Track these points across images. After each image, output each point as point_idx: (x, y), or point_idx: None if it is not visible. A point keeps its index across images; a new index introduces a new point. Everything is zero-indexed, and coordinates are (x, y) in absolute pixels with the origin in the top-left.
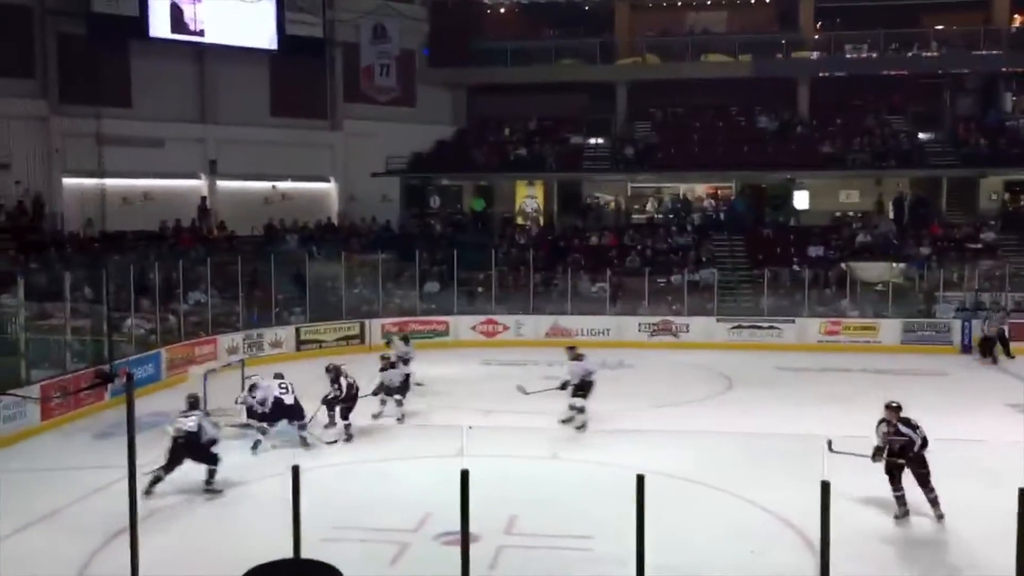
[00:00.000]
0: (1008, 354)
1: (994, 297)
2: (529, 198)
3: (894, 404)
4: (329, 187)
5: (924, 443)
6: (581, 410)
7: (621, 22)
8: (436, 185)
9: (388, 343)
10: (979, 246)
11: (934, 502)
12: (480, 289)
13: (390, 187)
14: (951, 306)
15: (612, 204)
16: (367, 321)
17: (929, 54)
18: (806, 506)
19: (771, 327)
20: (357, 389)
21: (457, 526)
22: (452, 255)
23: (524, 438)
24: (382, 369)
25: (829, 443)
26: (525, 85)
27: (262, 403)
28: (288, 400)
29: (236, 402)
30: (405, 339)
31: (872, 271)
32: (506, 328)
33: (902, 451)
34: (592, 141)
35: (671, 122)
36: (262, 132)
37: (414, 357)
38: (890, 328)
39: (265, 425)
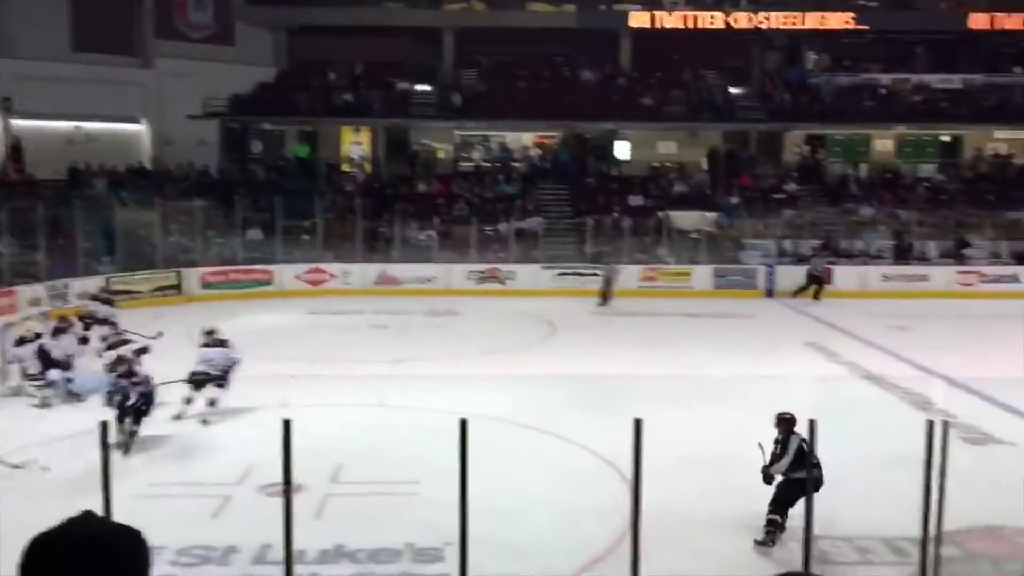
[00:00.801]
0: (817, 296)
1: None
2: (355, 144)
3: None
4: (140, 129)
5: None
6: (188, 401)
7: None
8: (257, 129)
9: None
10: (783, 196)
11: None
12: (306, 237)
13: (207, 131)
14: (757, 252)
15: (440, 152)
16: (185, 270)
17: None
18: (625, 444)
19: (593, 273)
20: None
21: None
22: (275, 202)
23: (350, 386)
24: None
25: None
26: (350, 28)
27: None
28: (56, 352)
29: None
30: (108, 301)
31: (687, 220)
32: (333, 277)
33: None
34: (419, 88)
35: (498, 70)
36: (64, 68)
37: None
38: (702, 274)
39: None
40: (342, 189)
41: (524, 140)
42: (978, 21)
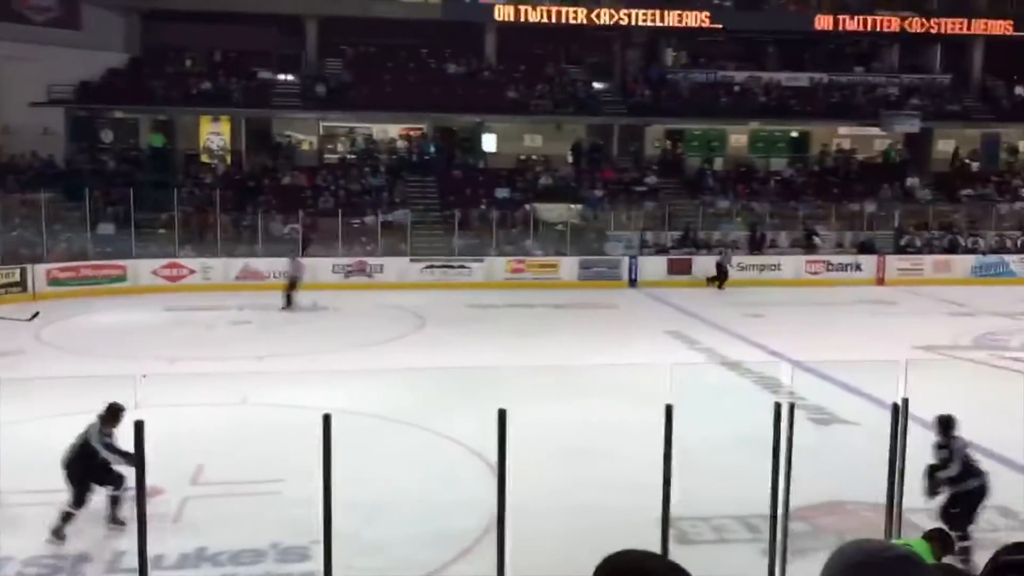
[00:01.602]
0: (721, 286)
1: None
2: (214, 135)
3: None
4: None
5: None
6: None
7: None
8: (108, 118)
9: None
10: (644, 188)
11: None
12: (162, 231)
13: (52, 119)
14: (620, 243)
15: (304, 143)
16: (30, 266)
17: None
18: (493, 435)
19: (461, 266)
20: None
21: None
22: (129, 194)
23: (211, 384)
24: None
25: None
26: (208, 13)
27: None
28: None
29: None
30: None
31: (553, 212)
32: (192, 272)
33: None
34: (282, 77)
35: (364, 61)
36: None
37: None
38: (569, 265)
39: None
40: (201, 181)
41: (390, 132)
42: (823, 22)
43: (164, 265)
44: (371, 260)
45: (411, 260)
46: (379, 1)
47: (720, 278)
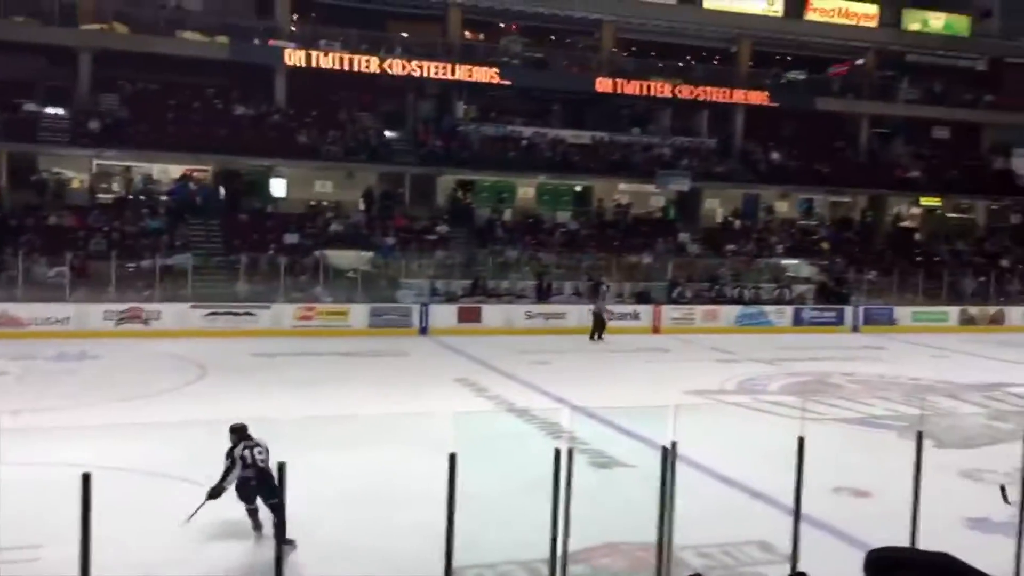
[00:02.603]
0: (599, 335)
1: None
2: None
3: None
4: None
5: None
6: None
7: None
8: None
9: None
10: (435, 237)
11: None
12: None
13: None
14: (411, 291)
15: (75, 181)
16: None
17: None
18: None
19: (247, 313)
20: None
21: None
22: None
23: None
24: None
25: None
26: None
27: None
28: None
29: None
30: None
31: (344, 259)
32: None
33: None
34: (50, 110)
35: (143, 98)
36: None
37: None
38: (359, 312)
39: None
40: None
41: (172, 172)
42: (603, 85)
43: None
44: (148, 306)
45: (192, 306)
46: (162, 37)
47: (597, 328)
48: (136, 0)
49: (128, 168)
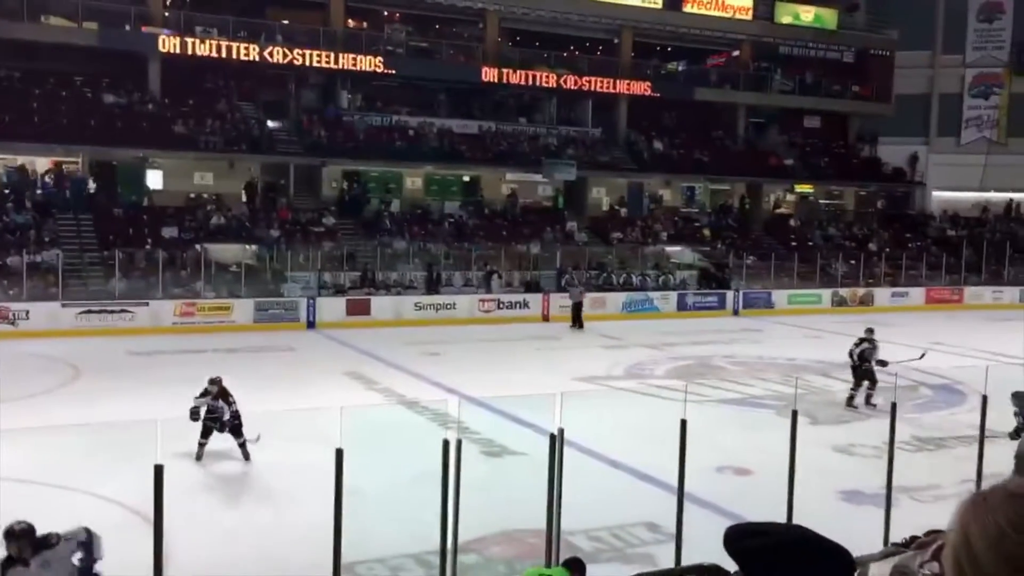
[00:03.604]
0: (580, 324)
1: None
2: None
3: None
4: None
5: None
6: None
7: None
8: None
9: None
10: (322, 229)
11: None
12: None
13: None
14: (298, 285)
15: None
16: None
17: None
18: (147, 491)
19: (123, 311)
20: None
21: None
22: None
23: None
24: None
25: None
26: None
27: None
28: None
29: None
30: None
31: (227, 252)
32: None
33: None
34: None
35: (6, 87)
36: None
37: None
38: (243, 307)
39: None
40: None
41: (38, 165)
42: (489, 75)
43: None
44: (14, 305)
45: (63, 305)
46: (25, 23)
47: (576, 318)
48: None
49: None
